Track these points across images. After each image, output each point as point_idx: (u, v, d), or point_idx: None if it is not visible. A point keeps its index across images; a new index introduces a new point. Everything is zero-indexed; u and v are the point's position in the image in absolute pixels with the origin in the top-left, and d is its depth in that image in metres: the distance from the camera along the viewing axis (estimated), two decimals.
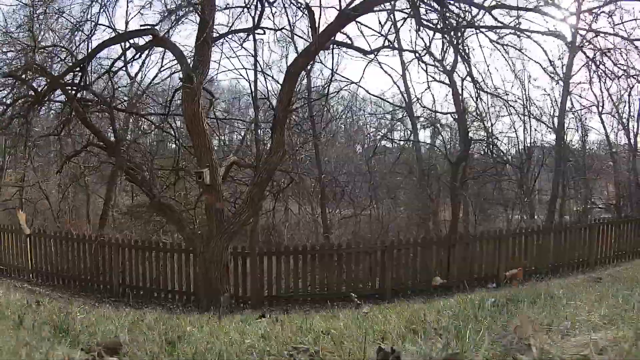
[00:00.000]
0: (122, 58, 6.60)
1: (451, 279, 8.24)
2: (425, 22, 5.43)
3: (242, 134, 12.00)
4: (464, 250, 8.46)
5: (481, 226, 13.19)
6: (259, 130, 8.52)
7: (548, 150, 13.93)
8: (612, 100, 14.44)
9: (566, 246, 9.44)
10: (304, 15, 5.62)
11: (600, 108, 14.65)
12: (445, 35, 5.54)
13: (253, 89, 7.63)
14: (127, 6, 10.84)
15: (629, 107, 14.43)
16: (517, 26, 6.59)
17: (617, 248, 9.85)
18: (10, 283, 8.50)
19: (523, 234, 8.88)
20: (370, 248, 8.12)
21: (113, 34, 6.57)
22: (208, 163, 5.46)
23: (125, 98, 8.59)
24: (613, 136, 15.63)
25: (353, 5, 5.12)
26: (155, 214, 9.60)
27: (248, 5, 5.61)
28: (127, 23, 9.09)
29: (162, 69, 11.65)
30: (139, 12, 5.54)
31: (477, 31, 6.02)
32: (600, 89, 14.03)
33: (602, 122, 14.98)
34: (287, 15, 5.53)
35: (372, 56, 6.70)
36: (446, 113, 10.25)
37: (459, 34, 5.64)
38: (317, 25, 5.51)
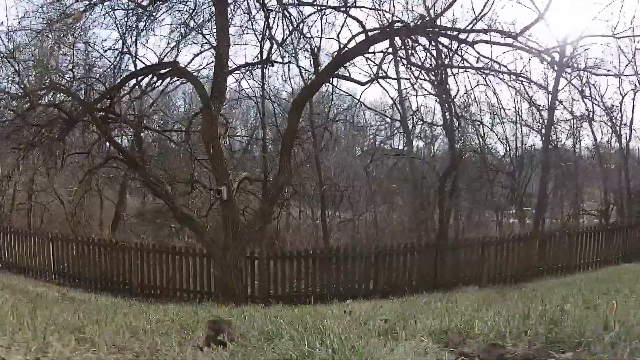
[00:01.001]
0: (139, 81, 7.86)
1: (438, 281, 9.64)
2: (413, 62, 6.71)
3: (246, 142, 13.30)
4: (449, 256, 9.85)
5: (473, 231, 14.60)
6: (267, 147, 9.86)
7: (537, 157, 15.30)
8: (605, 107, 15.88)
9: (549, 253, 10.86)
10: (308, 52, 6.88)
11: (590, 117, 16.11)
12: (431, 74, 6.81)
13: (261, 110, 8.91)
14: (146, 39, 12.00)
15: (621, 115, 15.89)
16: (501, 62, 7.86)
17: (596, 255, 11.26)
18: (37, 282, 9.81)
19: (505, 241, 10.25)
20: (364, 253, 9.49)
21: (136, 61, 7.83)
22: (225, 182, 6.75)
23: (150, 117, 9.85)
24: (607, 142, 17.19)
25: (348, 48, 6.37)
26: (171, 221, 10.99)
27: (261, 44, 6.86)
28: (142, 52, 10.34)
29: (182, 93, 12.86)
30: (166, 54, 6.80)
31: (462, 70, 7.31)
32: (591, 100, 15.52)
33: (592, 132, 16.49)
34: (294, 52, 6.64)
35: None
36: (438, 125, 11.51)
37: (444, 72, 6.91)
38: (318, 62, 6.79)
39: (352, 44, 6.37)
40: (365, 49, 6.28)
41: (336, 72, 7.09)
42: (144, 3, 7.40)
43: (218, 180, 6.92)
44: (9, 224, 11.98)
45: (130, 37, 7.38)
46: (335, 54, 5.73)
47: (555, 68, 10.31)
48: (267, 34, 6.38)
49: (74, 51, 8.26)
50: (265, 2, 6.33)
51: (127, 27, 7.44)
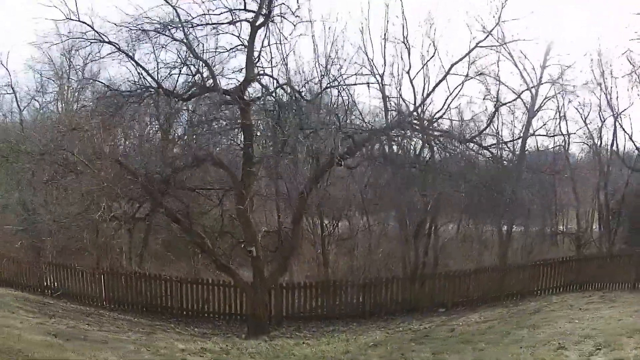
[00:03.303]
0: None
1: (413, 305, 13.83)
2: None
3: None
4: (423, 285, 14.10)
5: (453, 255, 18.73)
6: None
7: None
8: (589, 129, 20.29)
9: (510, 281, 15.07)
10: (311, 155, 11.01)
11: (566, 142, 20.60)
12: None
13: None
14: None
15: (600, 138, 20.28)
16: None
17: (552, 282, 15.40)
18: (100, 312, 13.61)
19: (465, 274, 14.48)
20: (355, 283, 13.71)
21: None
22: (254, 243, 10.87)
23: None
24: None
25: (340, 155, 10.44)
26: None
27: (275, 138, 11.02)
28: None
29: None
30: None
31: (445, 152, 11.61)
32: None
33: (567, 159, 20.96)
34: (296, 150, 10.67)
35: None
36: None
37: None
38: (319, 161, 10.97)
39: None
40: (354, 151, 10.52)
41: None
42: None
43: (247, 241, 11.08)
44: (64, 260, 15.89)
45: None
46: (330, 155, 9.82)
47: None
48: (279, 135, 10.44)
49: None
50: (281, 123, 10.34)
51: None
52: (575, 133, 21.32)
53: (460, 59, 11.19)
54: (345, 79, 11.56)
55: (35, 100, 22.95)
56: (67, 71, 23.87)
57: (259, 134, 11.38)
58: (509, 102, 16.08)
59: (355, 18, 16.05)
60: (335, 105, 12.49)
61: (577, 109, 20.31)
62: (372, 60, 15.16)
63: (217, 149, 10.74)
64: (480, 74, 11.99)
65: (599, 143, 20.76)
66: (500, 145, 15.40)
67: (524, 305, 12.77)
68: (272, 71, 12.02)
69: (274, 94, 11.16)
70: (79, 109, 17.10)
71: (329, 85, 11.15)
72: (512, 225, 17.64)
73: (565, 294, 14.21)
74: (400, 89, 15.26)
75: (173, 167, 10.99)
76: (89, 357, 5.53)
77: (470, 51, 11.21)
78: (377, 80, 15.06)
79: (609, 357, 5.69)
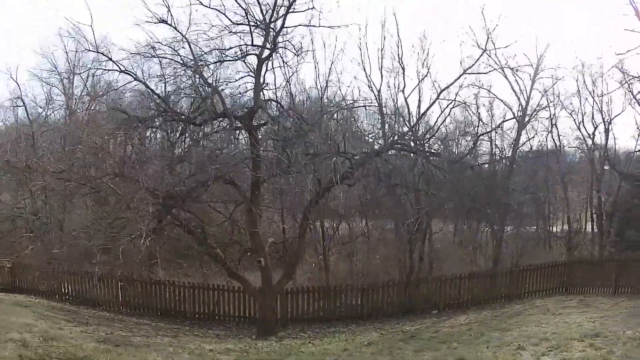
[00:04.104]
0: None
1: (408, 307, 15.56)
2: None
3: None
4: (417, 289, 15.83)
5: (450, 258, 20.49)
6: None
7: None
8: (582, 135, 21.94)
9: (499, 285, 16.78)
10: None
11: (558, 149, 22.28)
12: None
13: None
14: None
15: (593, 144, 21.88)
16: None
17: (538, 286, 17.10)
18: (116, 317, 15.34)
19: (457, 278, 16.19)
20: (354, 288, 15.42)
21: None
22: (263, 254, 12.55)
23: None
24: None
25: (341, 174, 12.16)
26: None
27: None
28: None
29: None
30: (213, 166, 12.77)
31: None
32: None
33: (559, 165, 22.61)
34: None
35: None
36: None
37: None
38: (320, 184, 12.66)
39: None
40: (352, 172, 12.17)
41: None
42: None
43: (256, 250, 12.76)
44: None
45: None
46: (331, 176, 11.50)
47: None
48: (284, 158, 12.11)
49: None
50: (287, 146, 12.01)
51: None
52: (565, 144, 23.35)
53: (448, 86, 12.96)
54: (347, 101, 13.26)
55: (43, 111, 24.83)
56: (72, 79, 25.65)
57: (266, 153, 12.94)
58: (492, 130, 17.73)
59: (354, 36, 17.57)
60: (336, 123, 14.12)
61: (570, 114, 22.14)
62: (370, 76, 16.88)
63: (230, 171, 12.26)
64: (465, 102, 13.64)
65: (592, 147, 22.56)
66: (495, 155, 17.11)
67: (509, 308, 14.49)
68: (276, 92, 13.79)
69: (279, 118, 12.84)
70: (90, 125, 18.80)
71: (329, 109, 12.76)
72: (503, 230, 19.30)
73: (549, 297, 15.91)
74: (396, 102, 16.96)
75: (188, 186, 12.65)
76: (140, 359, 7.19)
77: (457, 78, 12.89)
78: (375, 95, 16.78)
79: (557, 358, 7.34)
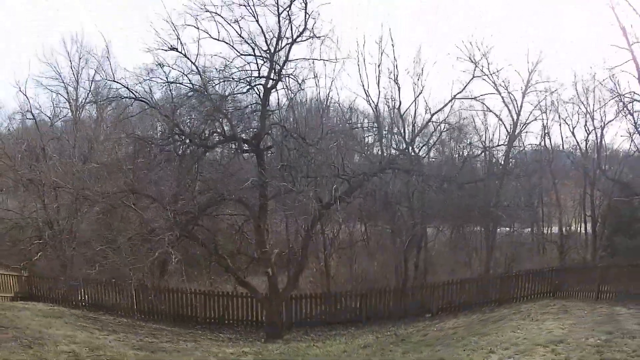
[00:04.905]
0: None
1: (404, 312, 17.50)
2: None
3: None
4: (412, 294, 17.76)
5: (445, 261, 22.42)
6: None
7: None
8: (576, 140, 23.78)
9: (490, 290, 18.68)
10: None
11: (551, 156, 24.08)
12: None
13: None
14: None
15: (586, 149, 23.65)
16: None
17: (527, 291, 18.95)
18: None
19: (449, 284, 18.11)
20: (353, 294, 17.35)
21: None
22: (270, 266, 14.43)
23: None
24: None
25: (340, 193, 13.99)
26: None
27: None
28: None
29: None
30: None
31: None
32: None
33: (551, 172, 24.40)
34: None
35: None
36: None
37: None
38: (321, 200, 14.51)
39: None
40: (350, 192, 14.02)
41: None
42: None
43: (263, 260, 14.66)
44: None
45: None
46: (331, 196, 13.34)
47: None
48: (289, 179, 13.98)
49: None
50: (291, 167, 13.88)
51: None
52: (559, 146, 25.19)
53: (438, 111, 14.80)
54: (347, 122, 15.07)
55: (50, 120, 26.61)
56: (77, 87, 27.44)
57: (272, 173, 14.76)
58: (482, 152, 19.55)
59: (353, 55, 19.40)
60: (335, 142, 15.93)
61: (564, 120, 23.98)
62: (368, 90, 18.78)
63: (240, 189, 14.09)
64: (455, 126, 15.46)
65: (585, 153, 24.38)
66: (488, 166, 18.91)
67: (497, 312, 16.31)
68: (280, 113, 15.61)
69: (284, 140, 14.67)
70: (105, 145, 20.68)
71: (329, 133, 14.57)
72: (495, 238, 21.21)
73: (537, 301, 17.64)
74: (393, 117, 18.79)
75: (202, 205, 14.50)
76: None
77: (447, 103, 14.71)
78: (373, 108, 18.63)
79: None
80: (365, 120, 16.97)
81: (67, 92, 27.44)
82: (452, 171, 15.94)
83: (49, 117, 27.27)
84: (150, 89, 15.21)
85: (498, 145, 20.00)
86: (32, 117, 23.89)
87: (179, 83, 14.62)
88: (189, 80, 14.61)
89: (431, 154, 15.72)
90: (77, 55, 27.23)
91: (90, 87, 27.24)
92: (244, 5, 13.36)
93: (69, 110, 27.57)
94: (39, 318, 12.62)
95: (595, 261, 21.34)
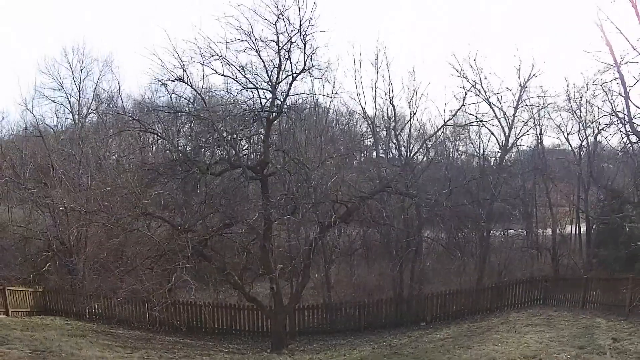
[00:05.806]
0: None
1: (400, 320, 19.50)
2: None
3: None
4: (407, 304, 19.77)
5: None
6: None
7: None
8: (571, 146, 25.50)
9: (482, 298, 20.63)
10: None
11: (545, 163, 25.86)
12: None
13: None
14: None
15: (580, 156, 25.42)
16: None
17: (518, 299, 20.86)
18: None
19: (443, 294, 20.09)
20: (352, 304, 19.35)
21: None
22: (275, 282, 16.31)
23: None
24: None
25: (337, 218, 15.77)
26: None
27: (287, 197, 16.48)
28: None
29: None
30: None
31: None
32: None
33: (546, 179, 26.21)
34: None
35: None
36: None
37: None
38: (321, 222, 16.44)
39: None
40: (348, 215, 15.88)
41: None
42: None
43: (268, 277, 16.57)
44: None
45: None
46: (328, 224, 15.26)
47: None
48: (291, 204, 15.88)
49: None
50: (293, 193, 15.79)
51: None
52: (552, 149, 27.02)
53: (430, 137, 16.56)
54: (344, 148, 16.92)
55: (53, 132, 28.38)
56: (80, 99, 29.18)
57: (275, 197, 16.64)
58: (470, 180, 21.36)
59: (350, 74, 21.21)
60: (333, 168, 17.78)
61: (559, 126, 25.76)
62: (365, 108, 20.66)
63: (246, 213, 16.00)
64: (443, 155, 17.34)
65: (579, 159, 26.17)
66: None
67: (486, 322, 18.23)
68: (281, 138, 17.45)
69: (285, 166, 16.53)
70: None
71: (327, 159, 16.44)
72: (488, 247, 23.14)
73: (526, 310, 19.40)
74: (389, 138, 20.69)
75: (210, 228, 16.41)
76: None
77: (438, 130, 16.56)
78: (369, 124, 20.52)
79: None
80: (363, 140, 18.80)
81: (70, 104, 29.23)
82: (445, 182, 17.80)
83: (52, 128, 28.95)
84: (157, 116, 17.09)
85: (483, 174, 21.76)
86: (39, 134, 25.50)
87: (185, 112, 16.48)
88: (194, 107, 16.49)
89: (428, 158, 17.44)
90: (79, 65, 29.04)
91: (91, 102, 29.01)
92: (247, 42, 15.13)
93: (72, 122, 29.39)
94: (65, 338, 14.44)
95: (586, 269, 22.96)
